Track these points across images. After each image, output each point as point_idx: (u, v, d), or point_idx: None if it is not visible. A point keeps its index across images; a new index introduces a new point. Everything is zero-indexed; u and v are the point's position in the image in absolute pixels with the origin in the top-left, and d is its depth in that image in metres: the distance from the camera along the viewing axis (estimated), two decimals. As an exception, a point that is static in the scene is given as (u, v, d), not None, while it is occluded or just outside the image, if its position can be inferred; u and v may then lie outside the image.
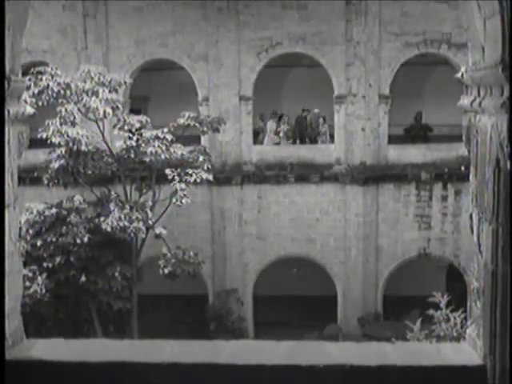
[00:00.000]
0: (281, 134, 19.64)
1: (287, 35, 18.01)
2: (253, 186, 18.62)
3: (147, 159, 13.29)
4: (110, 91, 12.90)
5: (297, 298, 20.28)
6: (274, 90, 20.93)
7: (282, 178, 18.64)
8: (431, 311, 6.70)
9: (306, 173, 18.63)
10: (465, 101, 3.72)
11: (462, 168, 18.65)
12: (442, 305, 6.45)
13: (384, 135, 18.76)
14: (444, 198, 18.81)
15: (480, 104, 3.40)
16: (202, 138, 17.65)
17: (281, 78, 21.23)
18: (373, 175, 18.51)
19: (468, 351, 3.70)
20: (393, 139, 19.36)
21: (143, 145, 13.21)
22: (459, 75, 3.81)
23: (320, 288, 19.55)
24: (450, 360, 3.60)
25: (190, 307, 18.44)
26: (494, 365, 3.42)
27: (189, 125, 14.10)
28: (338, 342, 3.94)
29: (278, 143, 19.64)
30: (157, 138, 13.17)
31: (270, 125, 19.72)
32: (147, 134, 13.28)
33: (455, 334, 5.89)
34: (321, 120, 19.72)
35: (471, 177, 3.75)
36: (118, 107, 12.99)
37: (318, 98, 19.72)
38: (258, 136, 19.83)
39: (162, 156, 13.22)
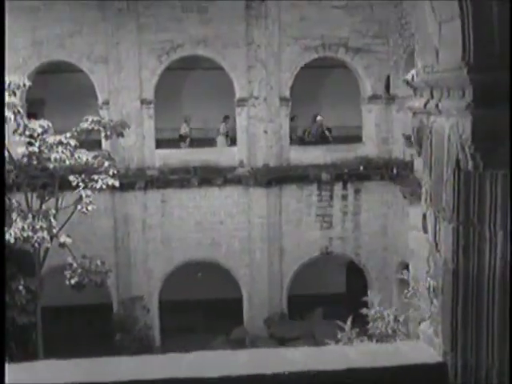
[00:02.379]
0: None
1: (188, 38, 17.86)
2: (156, 191, 18.34)
3: (51, 166, 12.75)
4: (8, 95, 12.26)
5: (203, 302, 20.18)
6: (176, 93, 20.72)
7: (186, 181, 18.49)
8: (364, 310, 6.80)
9: (209, 176, 18.58)
10: (416, 103, 3.77)
11: (361, 168, 19.27)
12: (375, 304, 6.55)
13: (285, 137, 19.05)
14: (344, 198, 19.33)
15: (437, 106, 3.45)
16: (103, 143, 17.16)
17: (182, 81, 21.06)
18: (276, 177, 18.74)
19: (425, 349, 3.76)
20: (293, 141, 19.73)
21: (46, 151, 12.66)
22: (409, 77, 3.86)
23: (226, 291, 19.55)
24: (412, 359, 3.64)
25: (94, 318, 17.87)
26: (455, 361, 3.49)
27: (92, 129, 13.67)
28: (298, 348, 3.89)
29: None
30: (60, 143, 12.65)
31: (223, 127, 19.82)
32: (50, 139, 12.74)
33: (390, 332, 6.01)
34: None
35: (424, 177, 3.80)
36: (18, 111, 12.37)
37: (220, 100, 19.73)
38: (185, 141, 19.67)
39: (67, 162, 12.72)
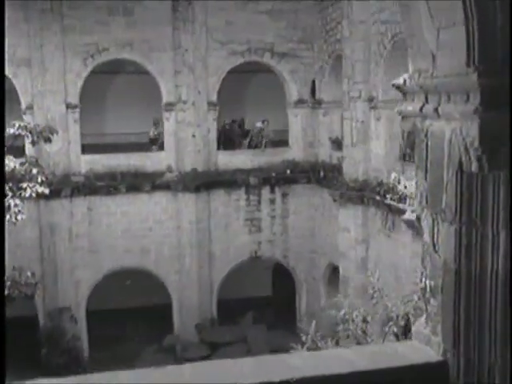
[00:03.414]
0: None
1: (114, 41, 17.49)
2: (83, 198, 17.84)
3: (-22, 173, 12.13)
4: None
5: (132, 310, 19.81)
6: (101, 97, 20.24)
7: (113, 188, 18.08)
8: (334, 312, 6.83)
9: (137, 182, 18.27)
10: (409, 107, 3.81)
11: (288, 171, 19.48)
12: (343, 307, 6.59)
13: (213, 142, 18.99)
14: (272, 201, 19.48)
15: (436, 110, 3.51)
16: (27, 149, 16.54)
17: (108, 85, 20.59)
18: (204, 182, 18.64)
19: (423, 348, 3.81)
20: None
21: (-29, 158, 12.04)
22: (400, 82, 3.90)
23: (155, 298, 19.28)
24: (413, 359, 3.68)
25: (20, 331, 17.11)
26: (457, 359, 3.56)
27: (19, 135, 13.13)
28: (297, 353, 3.86)
29: None
30: (-13, 150, 12.07)
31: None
32: (-24, 145, 12.14)
33: (360, 333, 6.07)
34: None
35: (419, 179, 3.85)
36: None
37: (148, 105, 19.45)
38: (155, 143, 19.16)
39: (-5, 169, 12.14)
